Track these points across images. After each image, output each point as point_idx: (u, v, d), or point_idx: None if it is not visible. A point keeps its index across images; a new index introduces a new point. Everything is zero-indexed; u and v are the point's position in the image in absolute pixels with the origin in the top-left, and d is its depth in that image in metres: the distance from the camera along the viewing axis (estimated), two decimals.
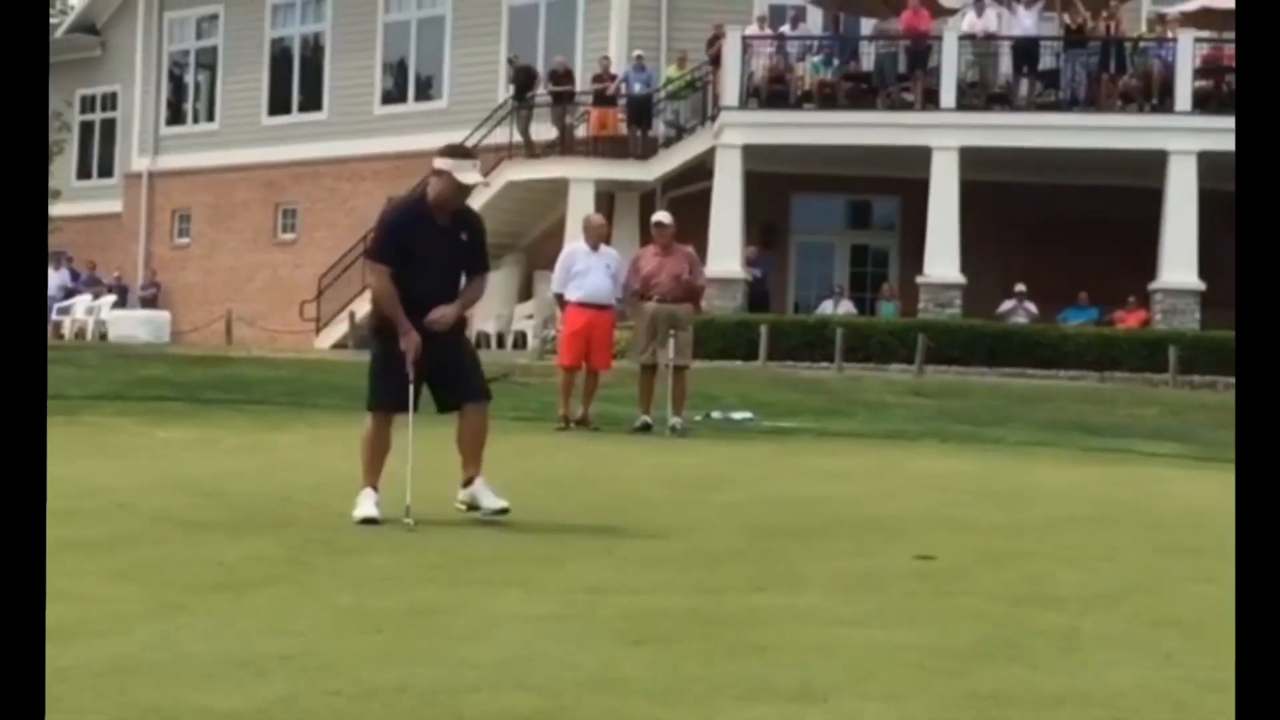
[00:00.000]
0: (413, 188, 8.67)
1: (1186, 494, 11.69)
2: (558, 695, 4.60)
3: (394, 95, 35.94)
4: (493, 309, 31.14)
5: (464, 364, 8.75)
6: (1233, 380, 25.61)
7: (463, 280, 8.63)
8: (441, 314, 8.39)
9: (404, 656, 5.08)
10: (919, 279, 28.22)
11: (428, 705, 4.48)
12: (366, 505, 8.35)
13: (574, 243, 16.19)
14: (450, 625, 5.65)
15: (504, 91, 32.69)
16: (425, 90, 35.44)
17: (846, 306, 29.80)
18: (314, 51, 36.98)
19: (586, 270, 15.48)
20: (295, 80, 37.22)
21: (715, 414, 17.46)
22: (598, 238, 15.84)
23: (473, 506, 8.64)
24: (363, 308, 31.93)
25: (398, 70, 36.05)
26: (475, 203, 33.15)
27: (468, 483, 8.68)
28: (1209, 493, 11.85)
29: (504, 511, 8.49)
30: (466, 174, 8.50)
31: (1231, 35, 29.78)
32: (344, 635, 5.42)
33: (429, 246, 8.37)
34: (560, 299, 15.70)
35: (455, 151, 8.72)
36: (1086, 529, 9.15)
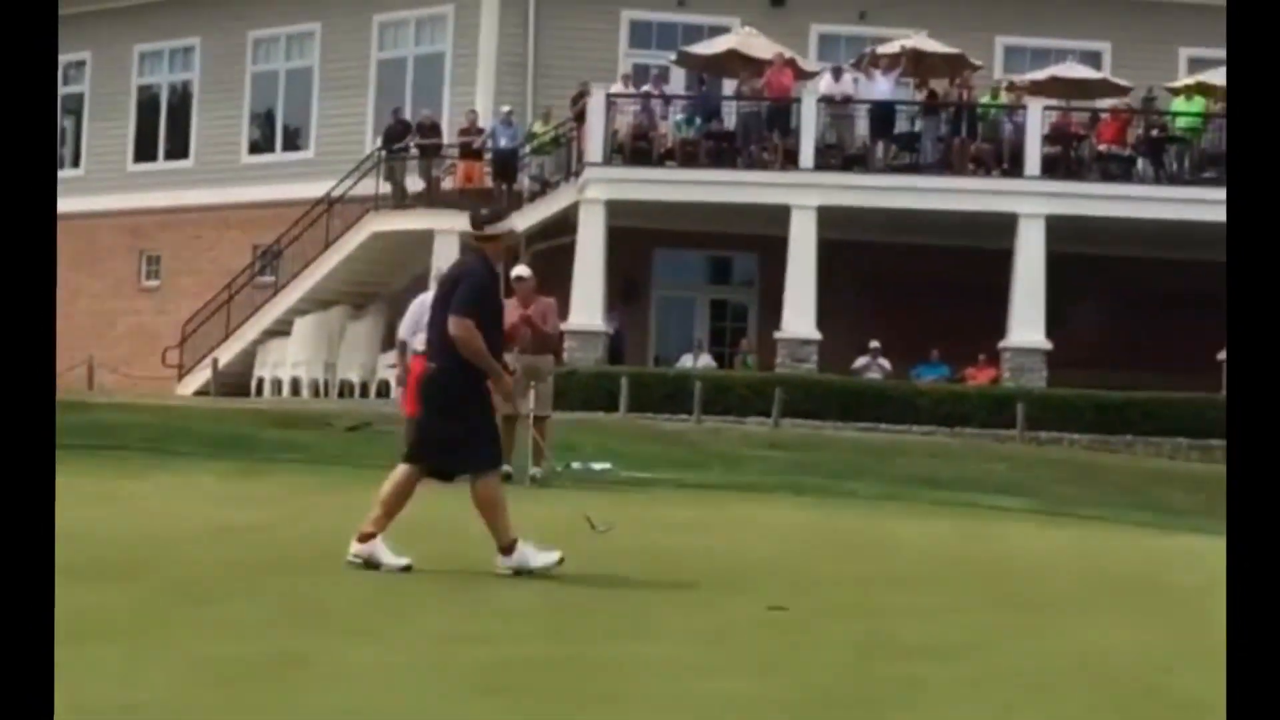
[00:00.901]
0: (462, 256, 9.24)
1: (1031, 548, 11.85)
2: None
3: (261, 145, 35.67)
4: (356, 358, 30.95)
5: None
6: (1078, 436, 26.08)
7: None
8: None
9: (255, 706, 5.00)
10: (777, 334, 28.43)
11: None
12: (542, 555, 8.58)
13: (426, 293, 16.13)
14: (303, 675, 5.57)
15: (371, 143, 32.59)
16: (293, 140, 35.21)
17: (706, 360, 29.95)
18: (181, 99, 36.62)
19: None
20: (162, 128, 36.82)
21: (575, 464, 17.45)
22: None
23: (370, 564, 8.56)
24: (226, 355, 31.62)
25: (265, 120, 35.79)
26: (342, 252, 32.65)
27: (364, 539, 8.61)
28: (1053, 547, 12.02)
29: (408, 569, 8.50)
30: (516, 222, 9.01)
31: (1079, 104, 30.46)
32: (195, 685, 5.33)
33: (497, 301, 8.93)
34: (405, 347, 15.73)
35: (496, 213, 9.08)
36: (934, 582, 9.24)
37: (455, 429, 8.62)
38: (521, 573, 8.47)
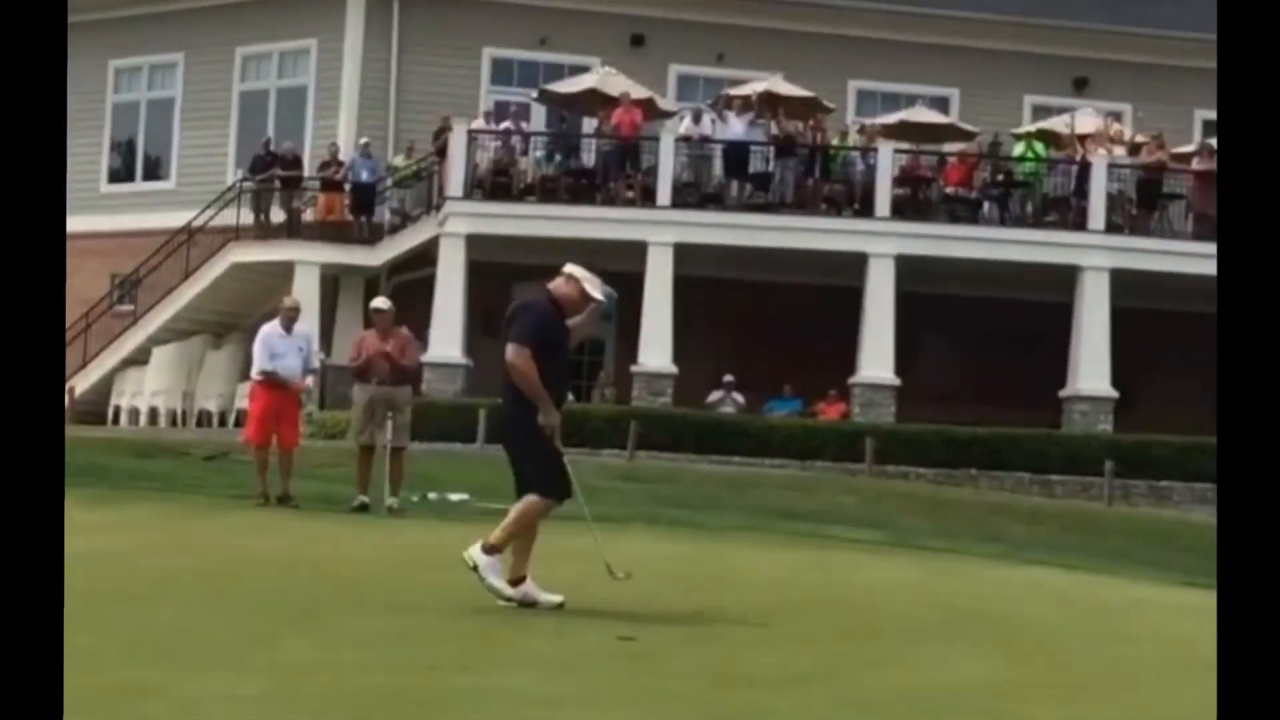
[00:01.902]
0: (534, 291, 9.10)
1: (879, 579, 11.93)
2: None
3: (121, 174, 35.12)
4: (214, 388, 30.55)
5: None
6: (924, 470, 26.37)
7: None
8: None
9: None
10: (633, 368, 28.49)
11: None
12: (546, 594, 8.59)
13: (269, 325, 16.05)
14: (153, 706, 5.46)
15: (233, 174, 32.25)
16: (154, 170, 34.72)
17: None
18: None
19: (284, 353, 15.59)
20: None
21: (432, 495, 17.34)
22: (291, 321, 15.85)
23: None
24: (83, 383, 31.05)
25: (126, 149, 35.26)
26: (202, 282, 32.11)
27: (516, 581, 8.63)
28: (900, 578, 12.12)
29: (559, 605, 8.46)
30: (596, 290, 8.94)
31: (927, 147, 30.89)
32: None
33: (560, 342, 8.77)
34: (266, 375, 15.78)
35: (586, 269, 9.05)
36: (785, 611, 9.26)
37: (526, 465, 8.72)
38: (498, 598, 8.46)
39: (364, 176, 30.45)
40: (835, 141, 30.04)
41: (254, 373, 16.08)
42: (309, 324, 26.76)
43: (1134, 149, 30.36)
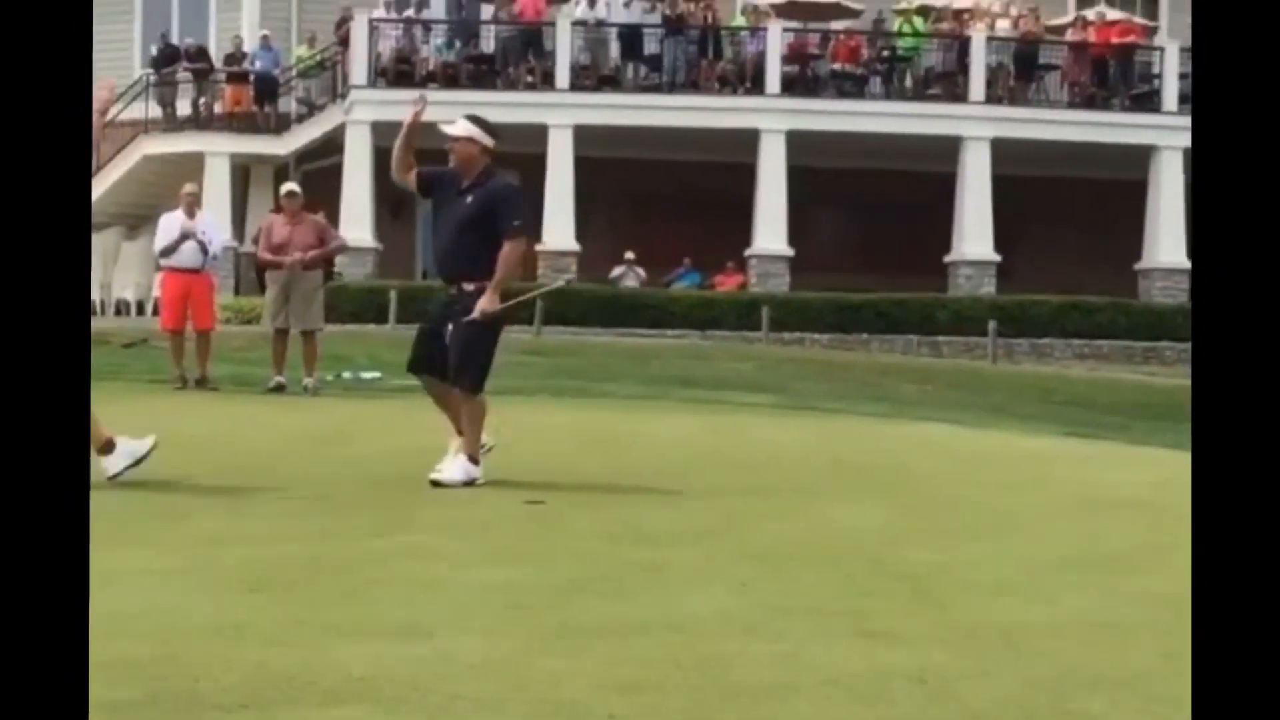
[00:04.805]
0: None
1: (772, 440, 12.02)
2: (171, 643, 4.44)
3: None
4: (131, 277, 30.18)
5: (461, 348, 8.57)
6: (818, 336, 26.55)
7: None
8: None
9: None
10: (538, 247, 28.34)
11: None
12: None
13: (171, 212, 15.86)
14: None
15: (140, 67, 31.64)
16: None
17: None
18: None
19: (183, 238, 15.53)
20: None
21: (346, 374, 17.26)
22: (191, 207, 15.70)
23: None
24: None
25: None
26: (115, 174, 31.49)
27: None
28: (795, 438, 12.21)
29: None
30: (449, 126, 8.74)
31: (814, 26, 30.77)
32: None
33: (438, 206, 8.91)
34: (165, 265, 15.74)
35: (468, 118, 8.93)
36: (684, 473, 9.30)
37: None
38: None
39: (259, 66, 30.07)
40: (736, 20, 29.87)
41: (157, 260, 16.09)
42: (221, 213, 26.47)
43: (1013, 22, 30.45)
